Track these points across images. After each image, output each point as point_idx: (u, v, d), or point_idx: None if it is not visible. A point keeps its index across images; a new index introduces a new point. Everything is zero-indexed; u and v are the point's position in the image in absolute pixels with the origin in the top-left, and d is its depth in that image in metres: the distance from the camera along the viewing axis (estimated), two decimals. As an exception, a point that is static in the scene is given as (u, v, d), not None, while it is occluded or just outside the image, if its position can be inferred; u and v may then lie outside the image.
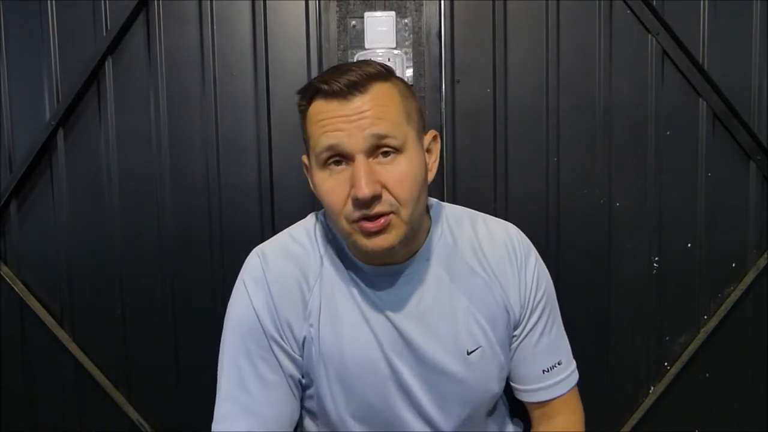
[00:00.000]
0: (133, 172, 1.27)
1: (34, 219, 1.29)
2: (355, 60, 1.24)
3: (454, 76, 1.25)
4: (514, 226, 0.94)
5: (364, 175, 0.71)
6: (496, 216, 1.21)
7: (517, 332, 0.88)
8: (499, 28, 1.25)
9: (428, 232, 0.86)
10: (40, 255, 1.29)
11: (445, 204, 0.93)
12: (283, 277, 0.81)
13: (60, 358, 1.30)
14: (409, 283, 0.83)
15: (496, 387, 0.87)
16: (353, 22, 1.25)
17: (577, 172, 1.27)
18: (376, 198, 0.71)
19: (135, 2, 1.22)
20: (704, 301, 1.29)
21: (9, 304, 1.29)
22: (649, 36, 1.24)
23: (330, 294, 0.82)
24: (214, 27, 1.25)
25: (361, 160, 0.72)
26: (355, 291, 0.82)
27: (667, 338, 1.30)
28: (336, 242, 0.85)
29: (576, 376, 0.93)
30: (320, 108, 0.75)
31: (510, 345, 0.89)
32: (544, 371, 0.89)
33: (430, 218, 0.88)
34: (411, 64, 1.25)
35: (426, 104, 1.26)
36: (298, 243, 0.85)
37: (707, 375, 1.30)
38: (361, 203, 0.71)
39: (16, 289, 1.28)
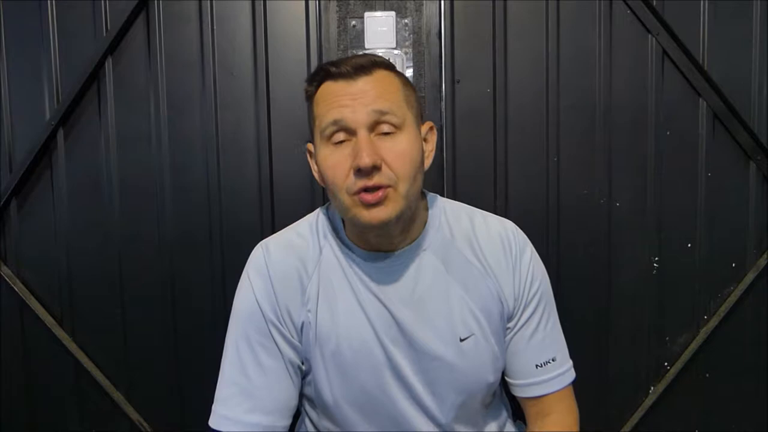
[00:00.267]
0: (133, 171, 1.27)
1: (34, 219, 1.29)
2: (355, 60, 1.24)
3: (454, 76, 1.25)
4: (512, 223, 0.95)
5: (365, 146, 0.75)
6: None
7: (511, 324, 0.90)
8: (499, 28, 1.25)
9: (426, 224, 0.88)
10: (40, 255, 1.29)
11: (444, 199, 0.95)
12: (283, 266, 0.85)
13: (60, 358, 1.30)
14: (406, 271, 0.85)
15: (491, 377, 0.87)
16: (353, 22, 1.25)
17: (577, 172, 1.27)
18: (376, 168, 0.76)
19: (135, 2, 1.22)
20: (704, 301, 1.29)
21: (9, 304, 1.29)
22: (649, 36, 1.24)
23: (328, 281, 0.85)
24: (214, 27, 1.25)
25: (363, 133, 0.77)
26: (352, 278, 0.85)
27: (667, 338, 1.30)
28: (337, 233, 0.88)
29: (571, 376, 0.92)
30: (328, 89, 0.80)
31: (505, 336, 0.90)
32: (537, 366, 0.89)
33: (428, 210, 0.90)
34: (411, 64, 1.25)
35: (426, 104, 1.26)
36: (300, 236, 0.90)
37: (707, 375, 1.30)
38: (363, 173, 0.75)
39: (16, 289, 1.28)
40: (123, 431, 1.31)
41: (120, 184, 1.27)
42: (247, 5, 1.25)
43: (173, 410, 1.30)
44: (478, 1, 1.25)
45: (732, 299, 1.27)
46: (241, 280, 0.89)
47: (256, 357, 0.84)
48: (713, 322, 1.28)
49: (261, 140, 1.26)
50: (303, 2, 1.25)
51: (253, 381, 0.83)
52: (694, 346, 1.28)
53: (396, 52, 1.24)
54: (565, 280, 1.28)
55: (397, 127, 0.79)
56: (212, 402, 0.88)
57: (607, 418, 1.31)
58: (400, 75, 0.84)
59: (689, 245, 1.28)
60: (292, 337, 0.85)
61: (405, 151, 0.79)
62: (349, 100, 0.78)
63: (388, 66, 0.83)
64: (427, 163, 0.86)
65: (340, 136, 0.78)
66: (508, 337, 0.90)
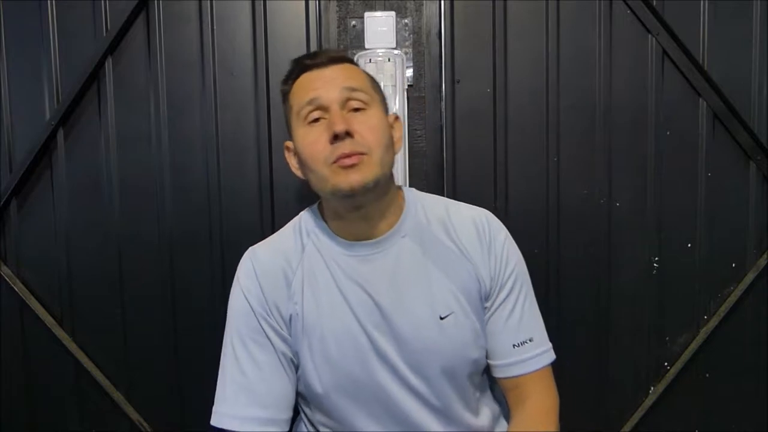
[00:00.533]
0: (133, 171, 1.27)
1: (34, 219, 1.29)
2: (356, 59, 1.24)
3: (454, 76, 1.25)
4: (486, 210, 0.97)
5: (338, 115, 0.83)
6: (496, 216, 1.21)
7: (488, 305, 0.92)
8: (499, 28, 1.25)
9: (403, 212, 0.93)
10: (40, 255, 1.29)
11: (420, 192, 0.99)
12: (268, 266, 0.91)
13: (60, 358, 1.30)
14: (385, 258, 0.89)
15: (474, 352, 0.89)
16: (353, 22, 1.25)
17: (577, 172, 1.27)
18: (349, 135, 0.82)
19: (135, 2, 1.22)
20: (704, 301, 1.29)
21: (9, 304, 1.29)
22: (649, 36, 1.25)
23: (311, 275, 0.90)
24: (214, 27, 1.25)
25: (335, 107, 0.84)
26: (334, 270, 0.89)
27: (667, 338, 1.30)
28: (320, 228, 0.92)
29: (550, 357, 0.93)
30: (303, 78, 0.89)
31: (484, 315, 0.92)
32: (514, 345, 0.91)
33: (404, 200, 0.94)
34: (411, 64, 1.25)
35: (426, 104, 1.26)
36: (282, 237, 0.96)
37: (707, 375, 1.30)
38: (338, 139, 0.82)
39: (16, 289, 1.28)
40: (123, 431, 1.31)
41: (120, 184, 1.27)
42: (247, 5, 1.25)
43: (173, 410, 1.30)
44: (478, 1, 1.25)
45: (732, 299, 1.27)
46: (232, 285, 0.93)
47: (251, 354, 0.88)
48: (713, 322, 1.28)
49: (261, 140, 1.27)
50: (303, 2, 1.25)
51: (249, 377, 0.87)
52: (694, 346, 1.28)
53: (396, 52, 1.24)
54: (565, 280, 1.28)
55: (367, 104, 0.87)
56: (212, 401, 0.89)
57: (607, 418, 1.31)
58: (366, 72, 0.93)
59: (689, 245, 1.28)
60: (282, 329, 0.89)
61: (375, 125, 0.86)
62: (322, 83, 0.86)
63: (355, 63, 0.93)
64: (397, 148, 0.91)
65: (315, 114, 0.85)
66: (486, 317, 0.92)
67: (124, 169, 1.27)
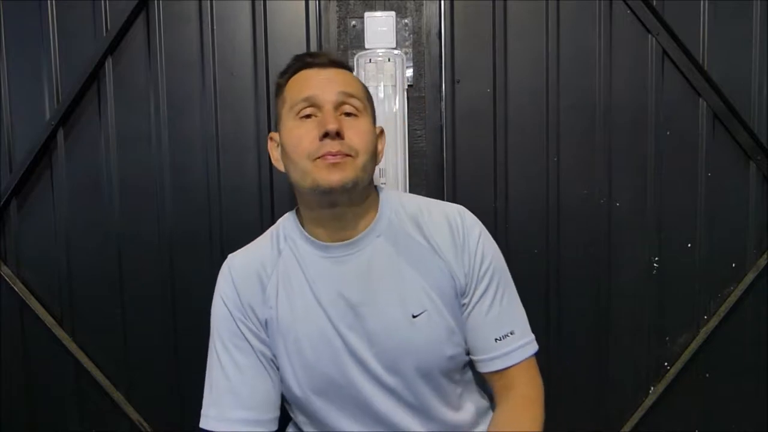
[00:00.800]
0: (133, 171, 1.27)
1: (34, 219, 1.29)
2: (356, 59, 1.24)
3: (454, 76, 1.25)
4: (461, 206, 0.97)
5: (331, 115, 0.86)
6: (496, 216, 1.22)
7: (465, 301, 0.92)
8: (499, 28, 1.25)
9: (378, 213, 0.94)
10: (40, 255, 1.29)
11: (398, 191, 1.01)
12: (244, 271, 0.94)
13: (60, 358, 1.30)
14: (359, 258, 0.90)
15: (448, 350, 0.90)
16: (353, 22, 1.25)
17: (577, 172, 1.27)
18: (339, 135, 0.84)
19: (135, 2, 1.22)
20: (704, 301, 1.29)
21: (9, 304, 1.29)
22: (649, 36, 1.25)
23: (286, 279, 0.91)
24: (214, 27, 1.25)
25: (329, 107, 0.87)
26: (308, 272, 0.91)
27: (667, 338, 1.30)
28: (297, 232, 0.94)
29: (533, 348, 0.93)
30: (302, 75, 0.91)
31: (462, 313, 0.92)
32: (496, 339, 0.91)
33: (380, 201, 0.95)
34: (411, 64, 1.25)
35: (426, 104, 1.26)
36: (260, 243, 0.98)
37: (707, 375, 1.30)
38: (330, 136, 0.84)
39: (16, 289, 1.28)
40: (123, 431, 1.31)
41: (120, 184, 1.27)
42: (247, 5, 1.25)
43: (173, 410, 1.30)
44: (478, 1, 1.25)
45: (732, 299, 1.27)
46: (214, 292, 0.96)
47: (233, 358, 0.91)
48: (713, 322, 1.28)
49: (261, 140, 1.26)
50: (303, 2, 1.25)
51: (232, 380, 0.90)
52: (694, 346, 1.28)
53: (396, 52, 1.24)
54: (565, 280, 1.28)
55: (359, 112, 0.89)
56: None
57: (607, 418, 1.31)
58: (362, 83, 0.96)
59: (689, 245, 1.28)
60: (261, 332, 0.91)
61: (365, 131, 0.88)
62: (320, 83, 0.88)
63: (347, 69, 0.95)
64: (379, 159, 0.94)
65: (308, 110, 0.87)
66: (465, 313, 0.92)
67: (124, 169, 1.27)
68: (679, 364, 1.29)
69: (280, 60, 1.26)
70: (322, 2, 1.25)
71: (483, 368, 0.93)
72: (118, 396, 1.30)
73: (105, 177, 1.27)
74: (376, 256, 0.91)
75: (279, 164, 0.94)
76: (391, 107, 1.24)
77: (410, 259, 0.91)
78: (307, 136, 0.85)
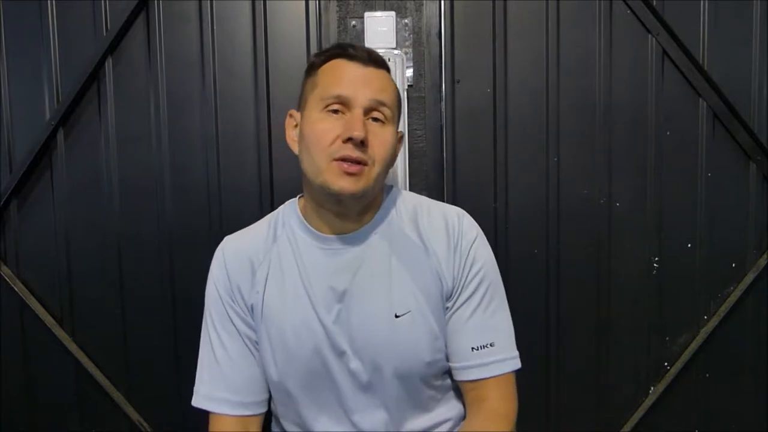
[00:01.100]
0: (133, 171, 1.27)
1: (34, 219, 1.29)
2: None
3: (454, 76, 1.25)
4: (462, 210, 0.96)
5: (360, 121, 0.84)
6: (496, 216, 1.22)
7: (449, 304, 0.91)
8: (499, 28, 1.25)
9: (380, 209, 0.94)
10: (40, 255, 1.29)
11: (403, 190, 1.00)
12: (236, 254, 0.94)
13: (60, 358, 1.30)
14: (354, 253, 0.91)
15: (427, 355, 0.89)
16: (353, 22, 1.25)
17: (577, 172, 1.27)
18: (364, 143, 0.83)
19: (135, 2, 1.22)
20: (704, 301, 1.29)
21: (9, 304, 1.29)
22: (649, 36, 1.25)
23: (278, 265, 0.92)
24: (214, 27, 1.25)
25: (359, 111, 0.85)
26: (302, 261, 0.91)
27: (667, 338, 1.30)
28: (296, 220, 0.94)
29: (513, 365, 0.91)
30: (339, 65, 0.88)
31: (445, 316, 0.92)
32: (473, 349, 0.89)
33: (383, 198, 0.96)
34: (411, 64, 1.25)
35: (426, 104, 1.26)
36: (257, 227, 0.99)
37: (707, 375, 1.30)
38: (353, 143, 0.83)
39: (16, 289, 1.28)
40: (123, 431, 1.31)
41: (120, 184, 1.27)
42: (247, 5, 1.25)
43: (173, 410, 1.30)
44: (478, 1, 1.25)
45: (732, 299, 1.27)
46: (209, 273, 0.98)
47: (221, 339, 0.93)
48: (713, 322, 1.28)
49: (261, 140, 1.27)
50: (303, 2, 1.25)
51: (220, 362, 0.92)
52: (694, 346, 1.28)
53: (396, 52, 1.24)
54: (565, 280, 1.28)
55: (386, 120, 0.88)
56: (209, 422, 0.93)
57: (607, 418, 1.31)
58: (395, 85, 0.94)
59: (689, 245, 1.28)
60: (247, 316, 0.92)
61: (388, 141, 0.88)
62: (355, 81, 0.86)
63: (389, 71, 0.92)
64: (392, 163, 0.93)
65: (337, 107, 0.85)
66: (447, 316, 0.91)
67: (124, 169, 1.27)
68: (679, 364, 1.29)
69: (280, 60, 1.26)
70: (322, 2, 1.25)
71: (457, 376, 0.92)
72: (118, 396, 1.30)
73: (105, 177, 1.27)
74: (370, 253, 0.91)
75: (294, 145, 0.93)
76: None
77: (402, 259, 0.90)
78: (330, 134, 0.84)
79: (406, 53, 1.25)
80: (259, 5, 1.25)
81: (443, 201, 1.02)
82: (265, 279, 0.91)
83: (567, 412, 1.31)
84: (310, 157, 0.86)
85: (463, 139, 1.26)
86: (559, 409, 1.31)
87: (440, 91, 1.26)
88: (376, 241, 0.91)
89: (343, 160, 0.83)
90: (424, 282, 0.90)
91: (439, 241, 0.91)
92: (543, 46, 1.25)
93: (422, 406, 0.92)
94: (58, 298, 1.29)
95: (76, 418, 1.32)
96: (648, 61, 1.25)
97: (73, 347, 1.29)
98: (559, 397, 1.30)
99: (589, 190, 1.27)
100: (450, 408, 0.96)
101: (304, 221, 0.93)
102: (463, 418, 0.97)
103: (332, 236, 0.91)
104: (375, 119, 0.87)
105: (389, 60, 1.23)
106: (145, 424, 1.31)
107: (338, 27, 1.25)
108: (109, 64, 1.25)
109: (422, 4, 1.25)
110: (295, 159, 1.26)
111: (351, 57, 0.87)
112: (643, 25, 1.24)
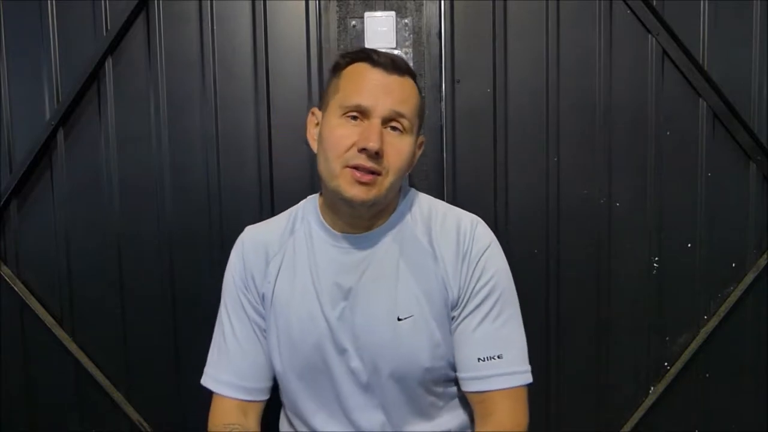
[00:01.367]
0: (133, 171, 1.27)
1: (34, 219, 1.29)
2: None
3: (454, 76, 1.25)
4: (478, 218, 0.95)
5: (376, 132, 0.84)
6: (496, 216, 1.21)
7: (455, 313, 0.90)
8: (499, 28, 1.25)
9: (395, 212, 0.95)
10: (40, 255, 1.29)
11: (420, 193, 1.00)
12: (253, 244, 0.98)
13: (60, 358, 1.30)
14: (364, 253, 0.92)
15: (427, 361, 0.88)
16: (353, 22, 1.25)
17: (577, 172, 1.27)
18: (379, 154, 0.84)
19: (135, 2, 1.22)
20: (704, 301, 1.29)
21: (9, 304, 1.29)
22: (649, 36, 1.24)
23: (291, 259, 0.94)
24: (214, 27, 1.25)
25: (377, 121, 0.85)
26: (314, 257, 0.93)
27: (667, 338, 1.30)
28: (313, 216, 0.96)
29: (523, 380, 0.89)
30: (362, 70, 0.88)
31: (450, 324, 0.91)
32: (480, 360, 0.88)
33: (400, 201, 0.96)
34: (411, 64, 1.25)
35: (426, 104, 1.26)
36: (278, 219, 1.01)
37: (707, 375, 1.30)
38: (367, 153, 0.83)
39: (16, 289, 1.28)
40: (123, 431, 1.31)
41: (120, 184, 1.27)
42: (247, 5, 1.25)
43: (173, 410, 1.30)
44: (478, 1, 1.25)
45: (732, 299, 1.27)
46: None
47: (232, 325, 0.96)
48: (713, 322, 1.28)
49: (261, 140, 1.27)
50: (303, 2, 1.25)
51: (228, 345, 0.95)
52: (694, 346, 1.28)
53: (396, 52, 1.24)
54: (565, 280, 1.28)
55: (404, 130, 0.88)
56: (211, 401, 0.95)
57: (607, 418, 1.31)
58: (419, 89, 0.94)
59: (689, 245, 1.28)
60: (258, 305, 0.95)
61: (404, 151, 0.88)
62: (377, 90, 0.86)
63: (414, 77, 0.93)
64: (407, 171, 0.94)
65: (355, 113, 0.86)
66: (453, 325, 0.91)
67: (124, 169, 1.27)
68: (679, 364, 1.29)
69: (280, 60, 1.26)
70: (322, 2, 1.25)
71: (463, 387, 0.90)
72: (118, 396, 1.30)
73: (105, 177, 1.27)
74: (379, 255, 0.92)
75: (313, 143, 0.94)
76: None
77: (410, 263, 0.91)
78: (346, 140, 0.85)
79: (406, 53, 1.25)
80: (259, 5, 1.25)
81: (443, 201, 1.01)
82: (278, 270, 0.94)
83: (567, 412, 1.31)
84: (326, 161, 0.87)
85: (463, 139, 1.26)
86: (559, 409, 1.31)
87: (440, 91, 1.26)
88: (387, 244, 0.92)
89: (357, 168, 0.84)
90: (429, 288, 0.89)
91: (449, 247, 0.91)
92: (543, 46, 1.25)
93: (422, 411, 0.92)
94: (58, 298, 1.29)
95: (76, 418, 1.32)
96: (648, 61, 1.25)
97: (73, 347, 1.29)
98: (559, 397, 1.30)
99: (589, 190, 1.27)
100: (454, 417, 0.95)
101: (321, 218, 0.95)
102: (467, 429, 0.96)
103: (345, 235, 0.93)
104: (393, 128, 0.87)
105: (389, 60, 1.23)
106: (145, 424, 1.31)
107: (338, 27, 1.25)
108: (109, 64, 1.25)
109: (422, 4, 1.25)
110: (294, 159, 1.27)
111: (374, 63, 0.88)
112: (643, 25, 1.24)
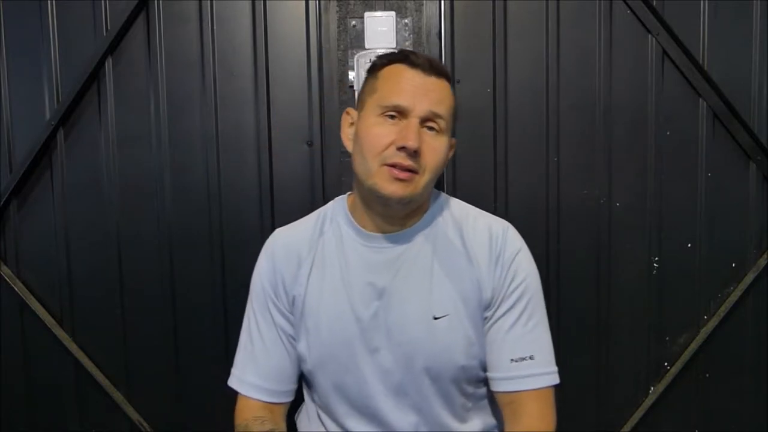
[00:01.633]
0: (133, 171, 1.27)
1: (34, 219, 1.29)
2: (356, 59, 1.24)
3: (454, 76, 1.25)
4: (509, 223, 0.97)
5: (415, 131, 0.85)
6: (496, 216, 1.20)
7: (488, 314, 0.92)
8: (499, 28, 1.25)
9: (426, 213, 0.96)
10: (40, 255, 1.29)
11: (452, 198, 1.02)
12: (285, 249, 0.97)
13: (60, 358, 1.30)
14: (396, 252, 0.93)
15: (462, 359, 0.90)
16: (353, 22, 1.25)
17: (577, 172, 1.27)
18: (417, 153, 0.85)
19: (135, 2, 1.22)
20: (704, 301, 1.29)
21: (9, 304, 1.29)
22: (649, 36, 1.24)
23: (321, 261, 0.95)
24: (214, 27, 1.25)
25: (415, 121, 0.86)
26: (346, 257, 0.93)
27: (667, 338, 1.30)
28: (343, 217, 0.96)
29: (552, 380, 0.91)
30: (401, 71, 0.89)
31: (483, 325, 0.92)
32: (512, 360, 0.89)
33: (432, 202, 0.98)
34: (411, 64, 1.25)
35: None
36: (306, 222, 1.01)
37: (707, 375, 1.30)
38: (406, 152, 0.85)
39: (16, 289, 1.28)
40: (123, 431, 1.31)
41: (120, 184, 1.27)
42: (247, 5, 1.25)
43: (173, 410, 1.30)
44: (478, 1, 1.25)
45: (732, 299, 1.27)
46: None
47: (259, 327, 0.96)
48: (713, 322, 1.28)
49: (261, 140, 1.26)
50: (303, 2, 1.25)
51: (255, 348, 0.96)
52: (694, 346, 1.28)
53: (396, 52, 1.24)
54: (565, 280, 1.28)
55: (440, 130, 0.89)
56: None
57: (607, 418, 1.31)
58: (453, 92, 0.94)
59: (689, 245, 1.28)
60: (285, 308, 0.95)
61: (439, 150, 0.89)
62: (415, 91, 0.87)
63: (450, 80, 0.93)
64: (441, 171, 0.94)
65: (393, 113, 0.87)
66: (486, 326, 0.92)
67: (124, 169, 1.27)
68: (679, 364, 1.29)
69: (280, 60, 1.26)
70: (322, 2, 1.25)
71: (494, 386, 0.92)
72: (118, 396, 1.30)
73: (105, 177, 1.27)
74: (412, 253, 0.92)
75: (348, 143, 0.95)
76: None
77: (444, 263, 0.92)
78: (384, 139, 0.86)
79: (406, 53, 1.25)
80: (259, 5, 1.25)
81: (493, 215, 1.01)
82: (309, 273, 0.94)
83: (567, 412, 1.31)
84: (363, 159, 0.88)
85: (463, 139, 1.26)
86: (559, 409, 1.30)
87: (440, 91, 1.25)
88: (420, 243, 0.93)
89: (394, 166, 0.85)
90: (464, 288, 0.91)
91: (482, 250, 0.92)
92: (543, 46, 1.25)
93: (454, 412, 0.92)
94: (58, 298, 1.29)
95: (76, 418, 1.32)
96: (648, 61, 1.25)
97: (73, 347, 1.29)
98: (559, 397, 1.29)
99: (589, 190, 1.27)
100: (481, 419, 0.96)
101: (351, 218, 0.95)
102: (494, 428, 0.98)
103: (377, 234, 0.93)
104: (429, 128, 0.88)
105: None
106: (145, 424, 1.31)
107: (338, 27, 1.25)
108: (109, 64, 1.25)
109: (422, 4, 1.25)
110: (294, 159, 1.27)
111: (413, 64, 0.88)
112: (643, 25, 1.24)
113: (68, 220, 1.28)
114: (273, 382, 0.95)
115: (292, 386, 0.98)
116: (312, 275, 0.94)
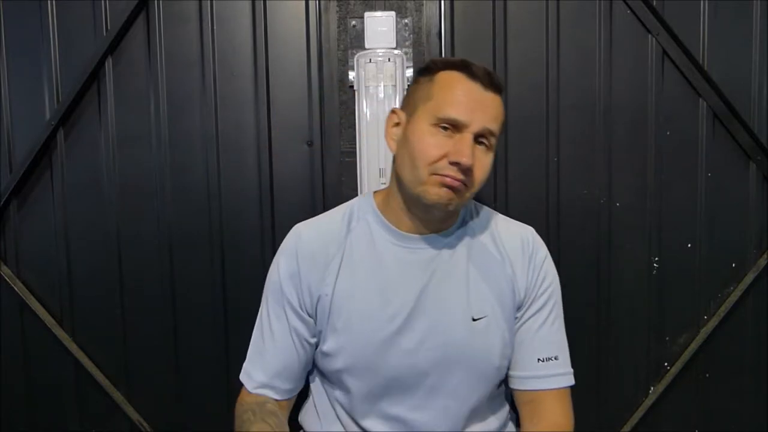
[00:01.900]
0: (133, 171, 1.27)
1: (34, 219, 1.29)
2: (356, 59, 1.24)
3: (454, 76, 1.25)
4: (533, 230, 1.02)
5: (470, 149, 0.85)
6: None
7: (519, 314, 0.94)
8: (499, 28, 1.25)
9: (459, 217, 0.97)
10: (40, 255, 1.29)
11: (479, 205, 1.04)
12: (310, 247, 0.94)
13: (60, 358, 1.30)
14: (431, 254, 0.93)
15: (497, 360, 0.91)
16: (353, 22, 1.25)
17: (577, 172, 1.27)
18: (470, 169, 0.85)
19: (135, 2, 1.22)
20: (704, 301, 1.29)
21: (9, 304, 1.29)
22: (649, 36, 1.24)
23: (350, 259, 0.93)
24: (214, 27, 1.25)
25: (470, 137, 0.85)
26: (379, 256, 0.92)
27: (667, 338, 1.30)
28: (373, 215, 0.96)
29: (571, 380, 0.95)
30: (460, 81, 0.87)
31: (514, 325, 0.95)
32: (539, 360, 0.93)
33: (465, 208, 0.99)
34: (411, 64, 1.25)
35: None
36: (330, 218, 0.99)
37: (707, 375, 1.30)
38: (459, 168, 0.85)
39: (16, 289, 1.28)
40: (123, 431, 1.31)
41: (120, 184, 1.27)
42: (247, 5, 1.25)
43: (173, 410, 1.30)
44: (478, 1, 1.25)
45: (732, 299, 1.27)
46: (274, 258, 0.99)
47: (271, 324, 0.95)
48: (713, 322, 1.28)
49: (261, 140, 1.26)
50: (303, 2, 1.25)
51: (266, 344, 0.96)
52: (694, 346, 1.28)
53: (396, 52, 1.24)
54: (565, 280, 1.27)
55: (490, 147, 0.89)
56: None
57: (607, 418, 1.31)
58: (503, 108, 0.93)
59: (689, 245, 1.28)
60: (306, 313, 0.94)
61: (487, 167, 0.90)
62: (474, 105, 0.86)
63: (502, 94, 0.91)
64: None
65: (448, 125, 0.86)
66: (517, 326, 0.94)
67: (124, 169, 1.27)
68: (679, 364, 1.29)
69: (280, 60, 1.26)
70: (322, 2, 1.25)
71: (518, 384, 0.94)
72: (118, 396, 1.30)
73: (105, 177, 1.27)
74: (448, 255, 0.93)
75: (392, 143, 0.93)
76: (392, 107, 1.24)
77: (479, 265, 0.94)
78: (437, 150, 0.85)
79: (406, 53, 1.25)
80: (259, 5, 1.25)
81: (516, 221, 1.05)
82: (337, 271, 0.92)
83: (567, 412, 1.31)
84: (412, 166, 0.87)
85: (463, 139, 1.26)
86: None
87: (440, 91, 1.25)
88: (455, 246, 0.94)
89: (445, 176, 0.85)
90: (500, 291, 0.93)
91: (516, 253, 0.96)
92: (543, 46, 1.25)
93: (479, 412, 0.94)
94: (58, 298, 1.29)
95: (76, 418, 1.32)
96: (648, 61, 1.25)
97: (73, 347, 1.29)
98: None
99: (589, 189, 1.27)
100: (497, 417, 0.98)
101: (382, 217, 0.95)
102: (504, 426, 0.99)
103: (413, 235, 0.93)
104: (480, 143, 0.88)
105: (389, 60, 1.23)
106: (145, 424, 1.31)
107: (338, 27, 1.25)
108: (109, 64, 1.25)
109: (422, 4, 1.25)
110: (294, 159, 1.27)
111: (473, 76, 0.87)
112: (643, 25, 1.24)
113: (68, 220, 1.28)
114: (280, 379, 0.95)
115: (297, 385, 0.98)
116: (341, 274, 0.92)
